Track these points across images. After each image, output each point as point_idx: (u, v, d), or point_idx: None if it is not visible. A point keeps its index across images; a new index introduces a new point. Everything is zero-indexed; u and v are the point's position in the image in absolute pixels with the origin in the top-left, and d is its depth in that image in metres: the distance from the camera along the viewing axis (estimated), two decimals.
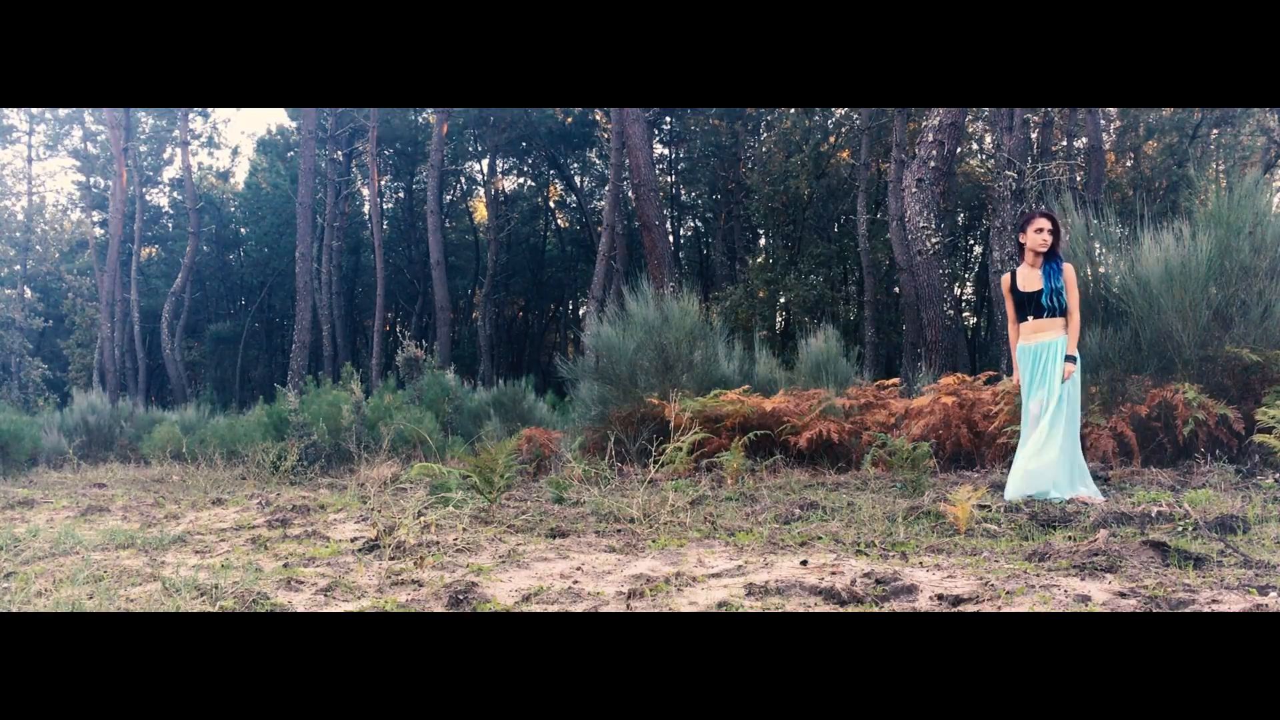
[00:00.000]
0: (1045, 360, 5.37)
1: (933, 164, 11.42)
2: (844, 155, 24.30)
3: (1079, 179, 18.29)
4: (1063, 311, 5.37)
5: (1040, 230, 5.35)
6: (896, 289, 20.54)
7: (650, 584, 2.84)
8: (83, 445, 12.90)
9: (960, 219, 24.64)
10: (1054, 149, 18.15)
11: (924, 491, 5.07)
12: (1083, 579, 2.71)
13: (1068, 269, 5.37)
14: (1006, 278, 5.52)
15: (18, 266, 30.11)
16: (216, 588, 2.91)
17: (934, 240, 11.47)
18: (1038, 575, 2.76)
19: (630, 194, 19.01)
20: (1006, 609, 2.38)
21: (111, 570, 3.37)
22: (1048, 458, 5.06)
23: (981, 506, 4.34)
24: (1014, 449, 6.20)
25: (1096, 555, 2.99)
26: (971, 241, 26.62)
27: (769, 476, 6.40)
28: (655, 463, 5.88)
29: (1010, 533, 3.81)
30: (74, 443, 12.16)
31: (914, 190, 11.53)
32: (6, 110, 29.31)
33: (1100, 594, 2.48)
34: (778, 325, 23.59)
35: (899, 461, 5.51)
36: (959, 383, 6.96)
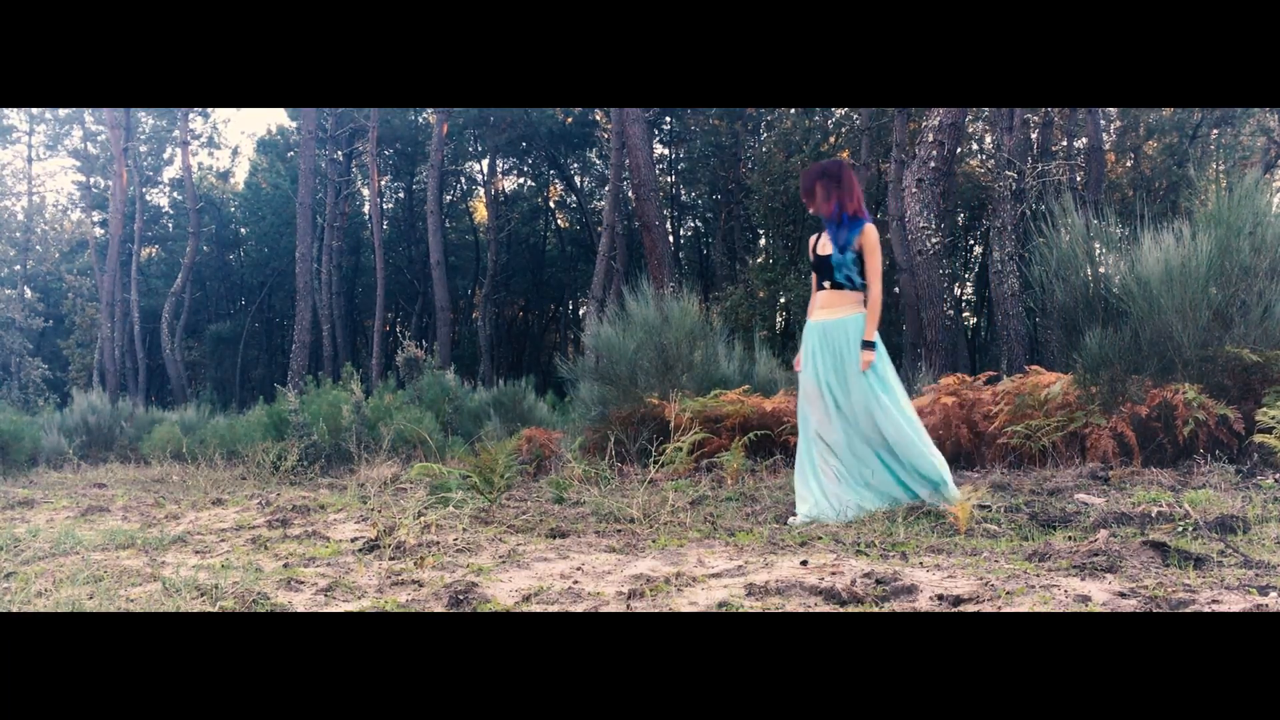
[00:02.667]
0: (834, 344, 4.56)
1: (933, 164, 11.42)
2: (844, 155, 24.31)
3: (1079, 179, 18.29)
4: (861, 285, 4.57)
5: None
6: (896, 289, 20.55)
7: (650, 584, 2.84)
8: (83, 445, 12.90)
9: (960, 219, 24.66)
10: (1054, 149, 18.16)
11: None
12: (1083, 579, 2.71)
13: (866, 231, 4.51)
14: (813, 238, 4.81)
15: (18, 266, 30.14)
16: (217, 588, 2.91)
17: (934, 240, 11.47)
18: (1038, 575, 2.76)
19: (630, 194, 19.01)
20: (1007, 609, 2.38)
21: (111, 570, 3.37)
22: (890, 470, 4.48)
23: (982, 507, 4.33)
24: (1014, 449, 6.19)
25: (1096, 555, 2.99)
26: (972, 242, 26.64)
27: (769, 476, 6.39)
28: (655, 463, 5.88)
29: (1010, 533, 3.81)
30: (74, 443, 12.16)
31: (914, 190, 11.53)
32: (7, 110, 29.33)
33: (1100, 594, 2.48)
34: (778, 325, 23.57)
35: None
36: (959, 383, 6.96)
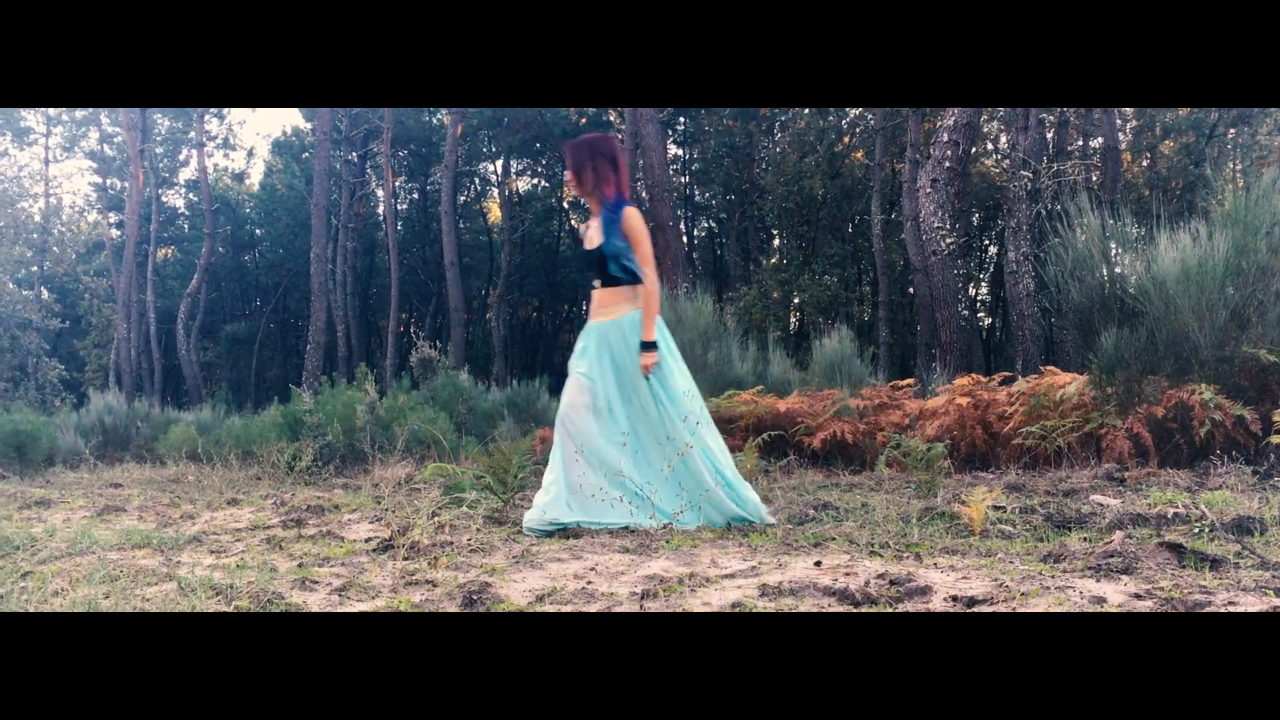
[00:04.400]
0: (613, 351, 4.08)
1: (947, 164, 11.38)
2: (858, 156, 24.24)
3: (1095, 179, 18.18)
4: (632, 278, 4.06)
5: None
6: (911, 289, 20.49)
7: (664, 584, 2.84)
8: (99, 445, 12.96)
9: (975, 219, 24.55)
10: (1070, 149, 18.08)
11: (938, 492, 5.05)
12: (1098, 580, 2.69)
13: (628, 215, 3.98)
14: (581, 228, 4.24)
15: (35, 268, 30.28)
16: (231, 587, 2.92)
17: (949, 241, 11.43)
18: (1053, 576, 2.74)
19: (644, 194, 19.01)
20: (1021, 610, 2.37)
21: (127, 570, 3.39)
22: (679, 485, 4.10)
23: (996, 507, 4.32)
24: (1030, 450, 6.17)
25: (1112, 557, 2.97)
26: (986, 242, 26.54)
27: (783, 477, 6.39)
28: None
29: (1025, 534, 3.79)
30: (90, 443, 12.22)
31: (929, 190, 11.50)
32: (24, 112, 29.56)
33: (1116, 595, 2.47)
34: (792, 326, 23.53)
35: (913, 462, 5.48)
36: (974, 383, 6.94)
